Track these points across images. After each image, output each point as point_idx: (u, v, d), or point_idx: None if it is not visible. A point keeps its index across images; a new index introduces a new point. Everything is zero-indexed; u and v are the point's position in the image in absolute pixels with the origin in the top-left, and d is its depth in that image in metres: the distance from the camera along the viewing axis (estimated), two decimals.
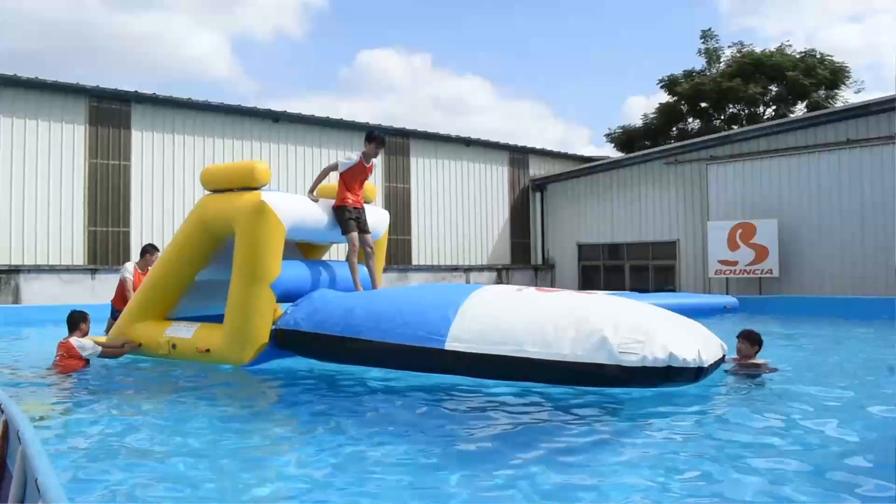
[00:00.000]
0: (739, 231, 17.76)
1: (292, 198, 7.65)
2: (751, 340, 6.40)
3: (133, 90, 16.34)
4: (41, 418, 4.85)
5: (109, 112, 16.12)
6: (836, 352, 8.89)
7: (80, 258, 15.56)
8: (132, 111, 16.43)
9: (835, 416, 4.75)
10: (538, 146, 24.15)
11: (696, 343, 5.12)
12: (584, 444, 4.12)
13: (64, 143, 15.54)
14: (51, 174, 15.31)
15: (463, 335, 5.53)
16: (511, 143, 23.16)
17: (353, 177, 7.94)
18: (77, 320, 7.08)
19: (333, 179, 8.24)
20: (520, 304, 5.79)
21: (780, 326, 12.10)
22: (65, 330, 7.13)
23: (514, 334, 5.28)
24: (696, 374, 4.93)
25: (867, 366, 7.49)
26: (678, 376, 4.89)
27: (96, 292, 15.04)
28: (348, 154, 8.38)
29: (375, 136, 8.15)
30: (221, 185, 7.52)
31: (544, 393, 5.46)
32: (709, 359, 5.24)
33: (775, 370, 6.24)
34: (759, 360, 6.31)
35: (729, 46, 33.10)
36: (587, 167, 22.77)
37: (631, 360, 4.78)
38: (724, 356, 5.92)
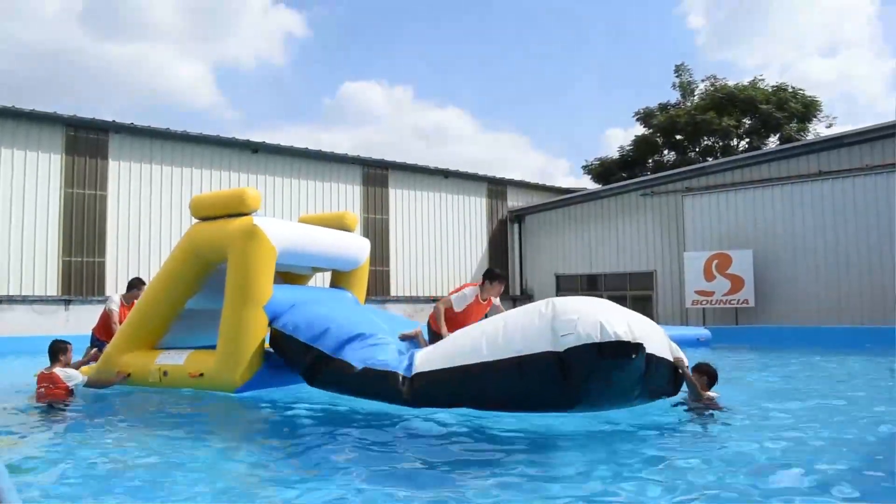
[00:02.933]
0: (715, 261, 17.95)
1: (282, 222, 7.79)
2: (706, 374, 6.37)
3: (111, 119, 16.30)
4: (14, 447, 4.74)
5: (86, 141, 16.03)
6: (799, 382, 8.95)
7: (53, 288, 15.35)
8: (109, 140, 16.35)
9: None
10: (517, 177, 24.40)
11: (633, 323, 5.03)
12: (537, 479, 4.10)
13: (39, 171, 15.40)
14: (25, 203, 15.14)
15: (424, 362, 5.85)
16: (489, 174, 23.37)
17: (466, 316, 6.97)
18: (60, 350, 6.99)
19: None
20: (467, 332, 6.04)
21: (754, 356, 12.19)
22: (38, 361, 7.00)
23: (468, 348, 5.53)
24: (634, 349, 4.77)
25: (826, 394, 7.52)
26: (615, 352, 4.80)
27: (70, 323, 14.82)
28: (464, 291, 7.18)
29: (497, 275, 7.07)
30: (212, 212, 7.63)
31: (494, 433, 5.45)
32: (651, 347, 5.18)
33: (720, 407, 6.16)
34: (711, 393, 6.27)
35: (703, 80, 33.77)
36: (564, 198, 22.97)
37: (569, 340, 4.79)
38: (680, 369, 5.90)
